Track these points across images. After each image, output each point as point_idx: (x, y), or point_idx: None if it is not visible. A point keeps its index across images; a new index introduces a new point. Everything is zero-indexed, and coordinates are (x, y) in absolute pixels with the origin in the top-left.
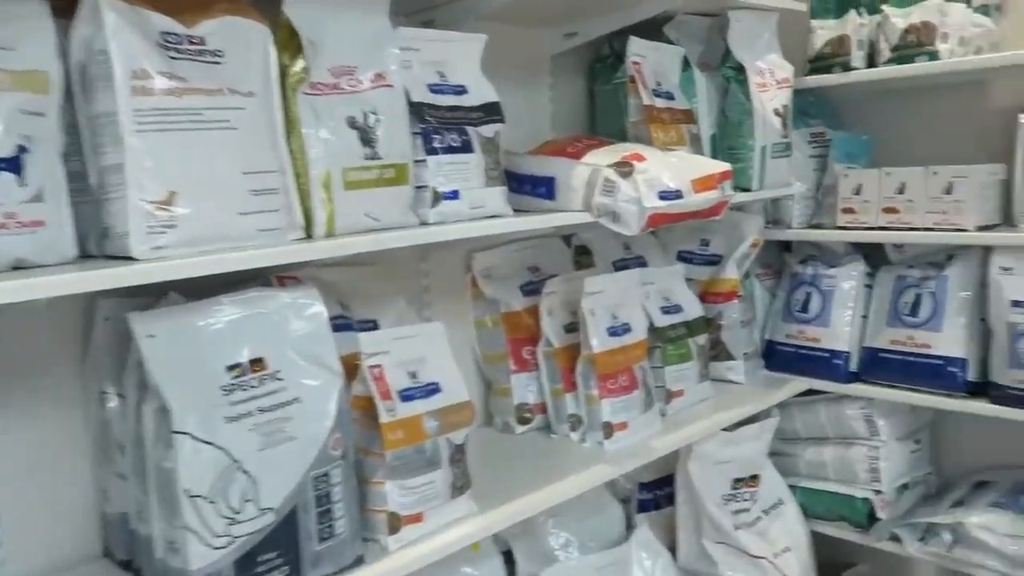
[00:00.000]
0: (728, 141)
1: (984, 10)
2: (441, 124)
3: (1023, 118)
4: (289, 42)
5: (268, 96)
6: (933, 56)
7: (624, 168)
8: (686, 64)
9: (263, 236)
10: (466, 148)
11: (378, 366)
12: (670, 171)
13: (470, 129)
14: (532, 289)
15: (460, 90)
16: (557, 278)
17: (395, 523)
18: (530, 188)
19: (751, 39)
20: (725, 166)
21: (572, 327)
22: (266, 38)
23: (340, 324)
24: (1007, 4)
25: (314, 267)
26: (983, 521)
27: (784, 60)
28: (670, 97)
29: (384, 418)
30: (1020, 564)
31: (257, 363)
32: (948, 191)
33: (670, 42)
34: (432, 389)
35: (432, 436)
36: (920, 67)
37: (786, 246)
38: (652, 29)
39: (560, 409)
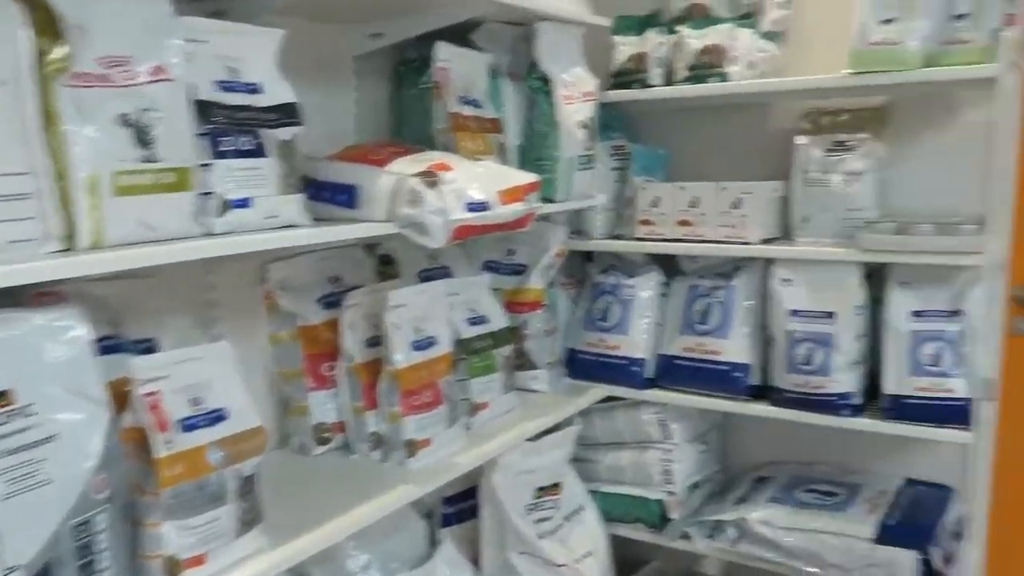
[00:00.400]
0: (535, 152)
1: (770, 36)
2: (231, 125)
3: (798, 140)
4: (49, 25)
5: (19, 86)
6: (723, 77)
7: (430, 178)
8: (494, 73)
9: (13, 249)
10: (259, 152)
11: (154, 393)
12: (477, 182)
13: (264, 131)
14: (332, 301)
15: (253, 89)
16: (359, 290)
17: (174, 568)
18: (330, 196)
19: (557, 52)
20: (532, 177)
21: (375, 341)
22: (17, 17)
23: (110, 346)
24: (789, 32)
25: (81, 280)
26: (762, 516)
27: (589, 74)
28: (477, 105)
29: (160, 452)
30: (795, 555)
31: (2, 397)
32: (736, 206)
33: (478, 49)
34: (217, 416)
35: (217, 469)
36: (711, 87)
37: (588, 256)
38: (459, 35)
39: (361, 428)
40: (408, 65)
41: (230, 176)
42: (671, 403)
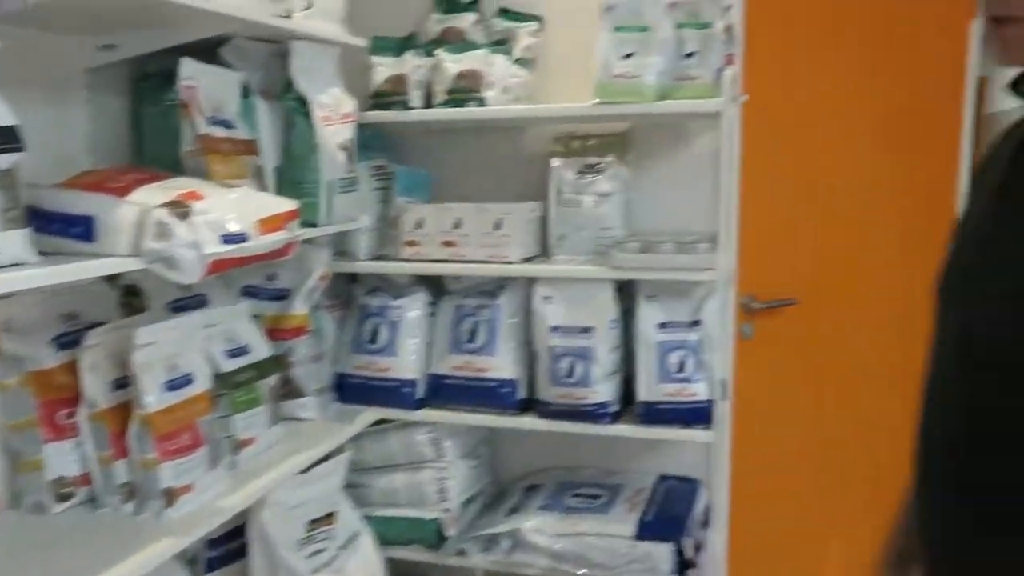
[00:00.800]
0: (294, 175)
1: (522, 62)
2: None
3: (554, 162)
4: None
5: None
6: (481, 102)
7: (180, 208)
8: (246, 91)
9: None
10: None
11: None
12: (233, 211)
13: None
14: (69, 341)
15: None
16: (101, 328)
17: None
18: (62, 228)
19: (314, 71)
20: (292, 204)
21: (122, 383)
22: None
23: None
24: (539, 58)
25: None
26: (534, 525)
27: (347, 95)
28: (229, 126)
29: None
30: (565, 559)
31: None
32: (497, 227)
33: (227, 66)
34: None
35: None
36: (469, 112)
37: (353, 277)
38: (207, 50)
39: (110, 479)
40: (149, 80)
41: None
42: (443, 422)
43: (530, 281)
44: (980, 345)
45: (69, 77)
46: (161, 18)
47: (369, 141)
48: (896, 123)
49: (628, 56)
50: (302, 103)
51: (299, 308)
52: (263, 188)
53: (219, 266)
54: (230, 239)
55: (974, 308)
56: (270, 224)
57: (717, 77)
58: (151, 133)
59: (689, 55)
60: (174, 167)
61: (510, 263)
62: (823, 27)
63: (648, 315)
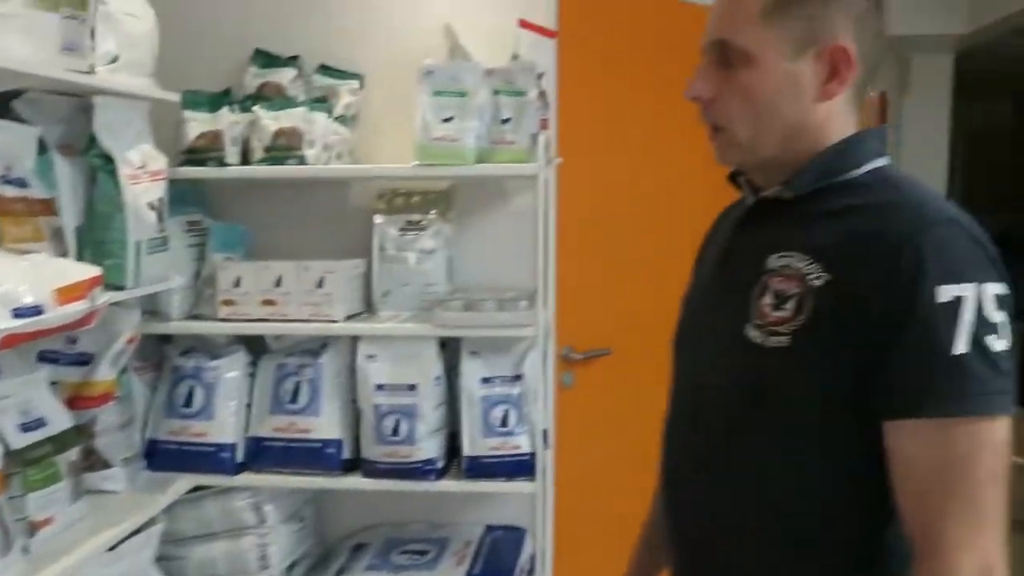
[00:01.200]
0: (98, 235)
1: (342, 120)
2: None
3: (377, 219)
4: None
5: None
6: (301, 160)
7: None
8: (43, 147)
9: None
10: None
11: None
12: (26, 281)
13: None
14: None
15: None
16: None
17: None
18: None
19: (120, 127)
20: (94, 271)
21: None
22: None
23: None
24: (360, 116)
25: None
26: None
27: (157, 151)
28: (23, 184)
29: None
30: None
31: None
32: (320, 285)
33: (22, 120)
34: None
35: None
36: (288, 170)
37: (166, 337)
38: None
39: None
40: None
41: None
42: (264, 486)
43: (354, 339)
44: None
45: None
46: None
47: (184, 196)
48: (701, 182)
49: (447, 120)
50: (107, 160)
51: (104, 373)
52: (63, 251)
53: (10, 341)
54: (22, 312)
55: (700, 360)
56: (69, 293)
57: (532, 142)
58: None
59: (505, 120)
60: None
61: (333, 322)
62: (632, 91)
63: (471, 371)
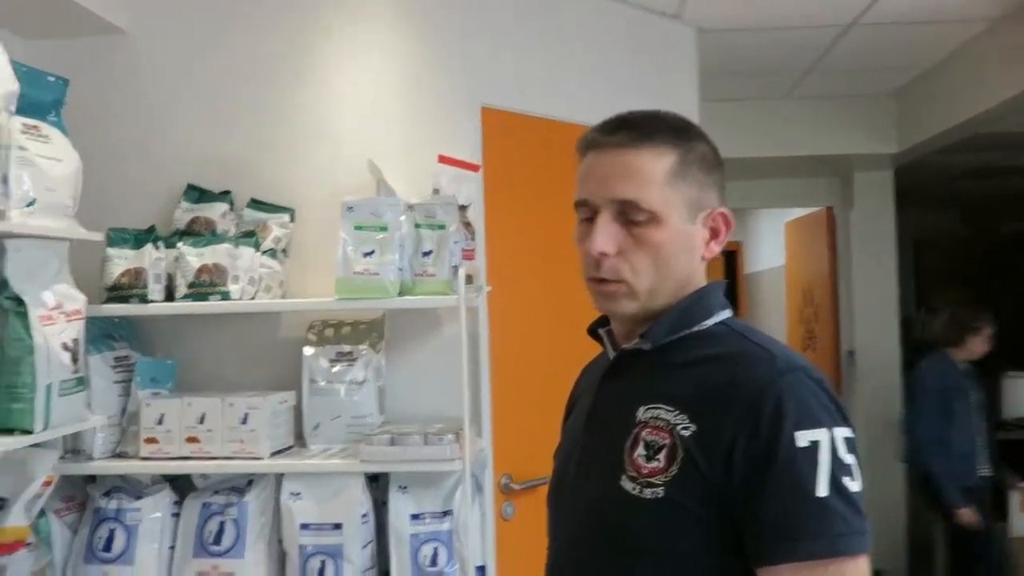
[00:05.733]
0: (6, 379)
1: (272, 253)
2: None
3: (307, 350)
4: None
5: None
6: (225, 295)
7: None
8: None
9: None
10: None
11: None
12: None
13: None
14: None
15: None
16: None
17: None
18: None
19: (35, 269)
20: None
21: None
22: None
23: None
24: (292, 247)
25: None
26: None
27: (76, 289)
28: None
29: None
30: None
31: None
32: (244, 421)
33: None
34: None
35: None
36: (209, 306)
37: (92, 476)
38: None
39: None
40: None
41: None
42: None
43: (279, 476)
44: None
45: None
46: None
47: (112, 330)
48: None
49: (368, 254)
50: (18, 303)
51: (17, 520)
52: None
53: None
54: None
55: (575, 514)
56: None
57: (453, 273)
58: None
59: (427, 253)
60: None
61: (257, 459)
62: (559, 216)
63: (400, 507)
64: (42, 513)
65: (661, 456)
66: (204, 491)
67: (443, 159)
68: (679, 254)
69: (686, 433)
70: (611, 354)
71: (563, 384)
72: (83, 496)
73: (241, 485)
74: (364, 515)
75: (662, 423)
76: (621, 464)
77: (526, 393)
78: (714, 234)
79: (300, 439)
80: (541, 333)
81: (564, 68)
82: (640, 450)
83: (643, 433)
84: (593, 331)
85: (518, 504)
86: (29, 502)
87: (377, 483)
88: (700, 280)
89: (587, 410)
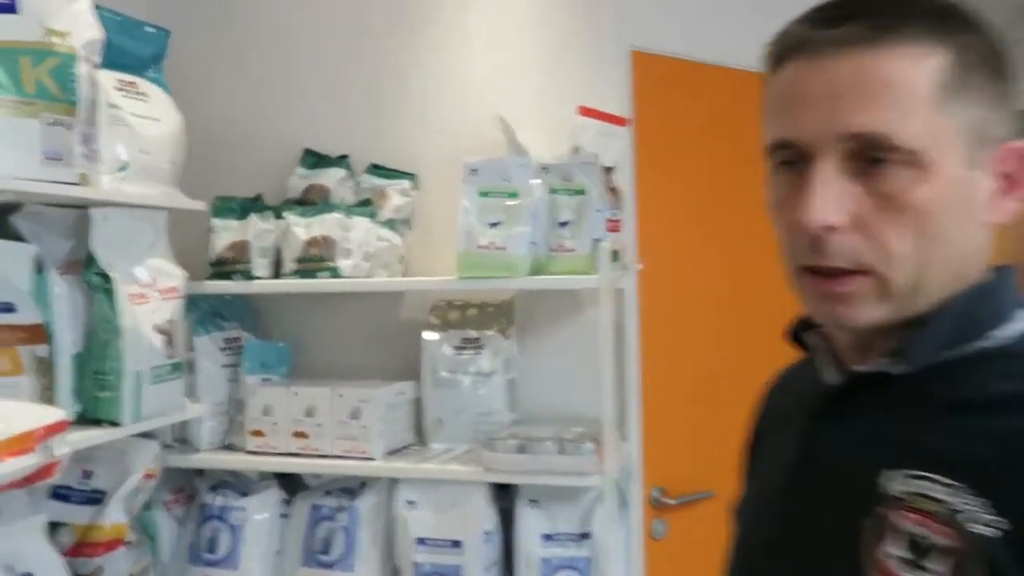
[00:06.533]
0: (94, 364)
1: (391, 224)
2: None
3: (428, 335)
4: None
5: None
6: (334, 272)
7: None
8: (40, 266)
9: None
10: None
11: None
12: None
13: None
14: None
15: None
16: None
17: None
18: None
19: (126, 241)
20: (55, 415)
21: None
22: None
23: None
24: (415, 219)
25: None
26: None
27: (174, 265)
28: (9, 309)
29: None
30: None
31: None
32: (355, 415)
33: (18, 238)
34: None
35: None
36: (319, 284)
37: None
38: None
39: None
40: None
41: None
42: None
43: (393, 480)
44: None
45: None
46: None
47: (222, 308)
48: None
49: (495, 224)
50: (106, 279)
51: (114, 517)
52: (47, 384)
53: None
54: None
55: None
56: (12, 448)
57: (595, 248)
58: None
59: (564, 224)
60: None
61: (369, 459)
62: (725, 180)
63: (530, 525)
64: (148, 506)
65: (939, 566)
66: (315, 490)
67: (585, 111)
68: (956, 220)
69: (989, 532)
70: (830, 377)
71: (731, 383)
72: (192, 488)
73: (353, 486)
74: (488, 532)
75: (937, 508)
76: (855, 566)
77: (682, 391)
78: (1010, 184)
79: (420, 435)
80: (703, 321)
81: (735, 1)
82: (895, 548)
83: (899, 520)
84: (795, 335)
85: (671, 522)
86: (128, 497)
87: (507, 492)
88: (983, 261)
89: (789, 461)
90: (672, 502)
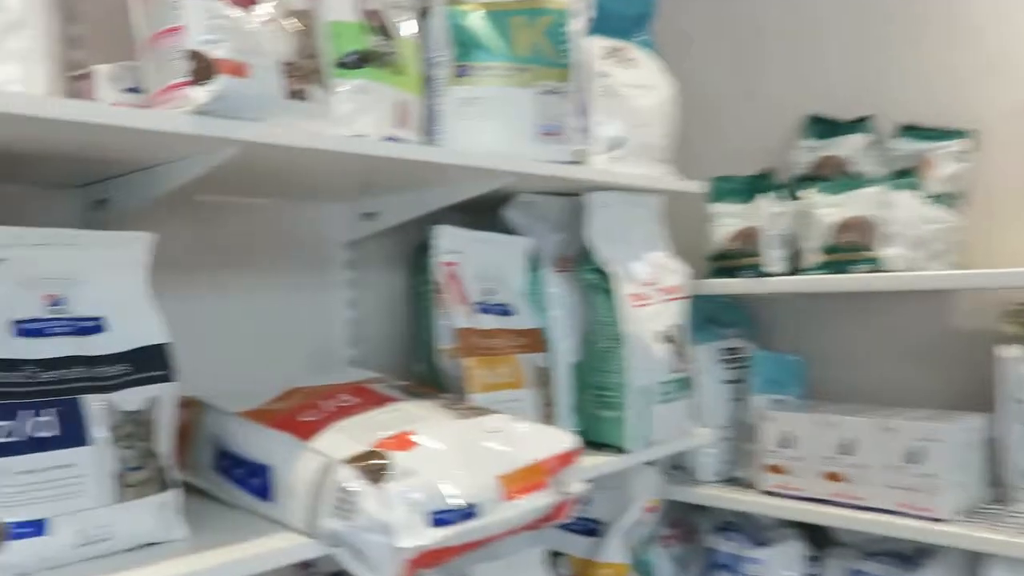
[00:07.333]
0: (593, 378)
1: (942, 200)
2: (23, 393)
3: (1003, 351)
4: None
5: None
6: (875, 263)
7: (372, 466)
8: (535, 263)
9: None
10: (69, 438)
11: None
12: (459, 464)
13: (89, 400)
14: None
15: (88, 327)
16: None
17: None
18: (243, 476)
19: (622, 231)
20: (565, 443)
21: None
22: None
23: None
24: (973, 190)
25: None
26: None
27: (674, 259)
28: (505, 312)
29: None
30: None
31: None
32: (915, 458)
33: (510, 231)
34: None
35: None
36: (857, 280)
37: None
38: (485, 210)
39: None
40: (423, 255)
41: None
42: None
43: (973, 556)
44: None
45: (328, 254)
46: (418, 179)
47: (718, 313)
48: None
49: None
50: (603, 276)
51: (614, 555)
52: (547, 399)
53: (427, 560)
54: (445, 517)
55: None
56: (523, 480)
57: None
58: (424, 319)
59: None
60: (429, 371)
61: (934, 520)
62: None
63: None
64: (647, 542)
65: None
66: (851, 549)
67: None
68: None
69: None
70: None
71: None
72: (688, 524)
73: (907, 551)
74: None
75: None
76: None
77: None
78: None
79: (999, 488)
80: None
81: None
82: None
83: None
84: None
85: None
86: (627, 531)
87: None
88: None
89: None
90: None
